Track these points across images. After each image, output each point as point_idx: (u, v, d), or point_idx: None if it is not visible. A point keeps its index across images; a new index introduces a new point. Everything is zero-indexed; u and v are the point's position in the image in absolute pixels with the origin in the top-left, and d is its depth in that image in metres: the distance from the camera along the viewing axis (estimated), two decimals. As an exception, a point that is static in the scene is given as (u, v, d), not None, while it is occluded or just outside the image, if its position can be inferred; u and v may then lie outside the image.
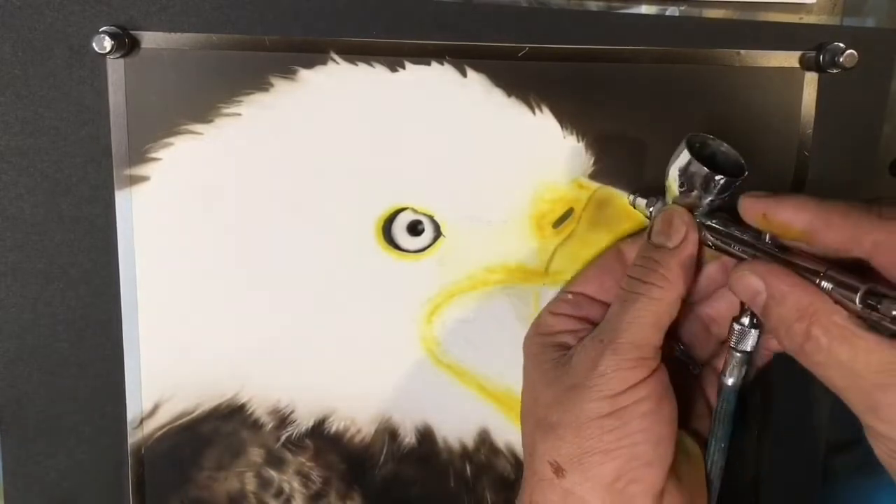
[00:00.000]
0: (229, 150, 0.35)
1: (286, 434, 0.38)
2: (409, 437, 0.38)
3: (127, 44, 0.33)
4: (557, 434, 0.30)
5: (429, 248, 0.37)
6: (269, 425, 0.37)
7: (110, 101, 0.34)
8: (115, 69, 0.34)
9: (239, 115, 0.34)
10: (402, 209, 0.36)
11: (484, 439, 0.38)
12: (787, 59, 0.37)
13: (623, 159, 0.37)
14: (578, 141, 0.36)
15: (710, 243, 0.32)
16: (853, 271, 0.26)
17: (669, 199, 0.33)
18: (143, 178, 0.35)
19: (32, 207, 0.35)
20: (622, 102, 0.36)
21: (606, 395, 0.29)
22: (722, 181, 0.31)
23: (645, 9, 0.37)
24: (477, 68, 0.35)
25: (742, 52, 0.36)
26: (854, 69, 0.36)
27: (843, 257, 0.27)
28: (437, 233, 0.36)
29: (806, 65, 0.37)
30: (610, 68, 0.36)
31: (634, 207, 0.36)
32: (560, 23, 0.35)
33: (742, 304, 0.32)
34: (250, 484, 0.38)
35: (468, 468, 0.39)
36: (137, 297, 0.36)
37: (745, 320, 0.32)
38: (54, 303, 0.36)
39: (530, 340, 0.35)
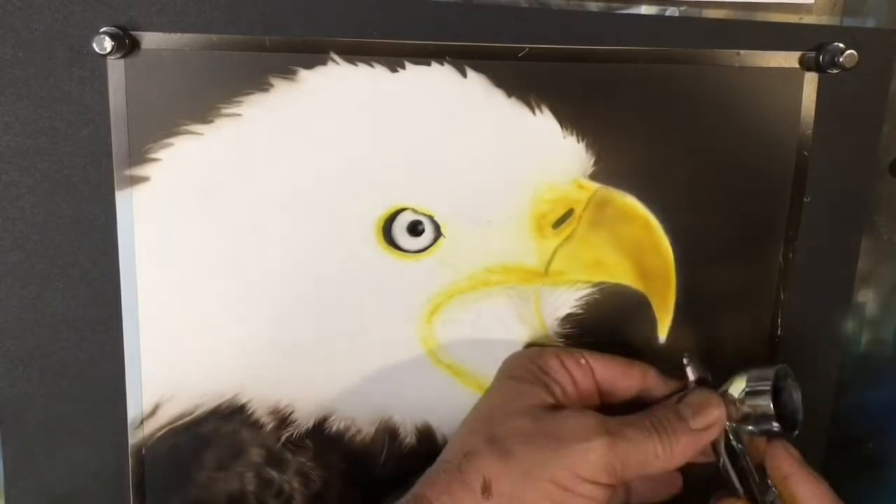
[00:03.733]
0: (229, 150, 0.35)
1: (286, 434, 0.38)
2: (409, 437, 0.38)
3: (127, 44, 0.33)
4: (507, 463, 0.31)
5: (429, 249, 0.37)
6: (270, 425, 0.37)
7: (110, 102, 0.34)
8: (116, 70, 0.34)
9: (239, 115, 0.34)
10: (403, 209, 0.36)
11: (484, 439, 0.38)
12: (787, 59, 0.37)
13: (623, 159, 0.37)
14: (578, 141, 0.36)
15: (721, 460, 0.33)
16: None
17: (721, 389, 0.33)
18: (144, 179, 0.35)
19: (32, 207, 0.35)
20: (622, 102, 0.36)
21: (573, 472, 0.30)
22: (774, 428, 0.31)
23: (645, 9, 0.37)
24: (477, 68, 0.35)
25: (742, 52, 0.36)
26: (854, 69, 0.36)
27: None
28: (438, 233, 0.36)
29: (806, 65, 0.37)
30: (610, 68, 0.36)
31: (685, 366, 0.35)
32: (560, 23, 0.35)
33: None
34: (250, 484, 0.38)
35: (468, 468, 0.39)
36: (138, 297, 0.36)
37: None
38: (55, 303, 0.36)
39: (519, 364, 0.35)
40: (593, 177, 0.37)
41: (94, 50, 0.32)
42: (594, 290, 0.38)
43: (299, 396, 0.37)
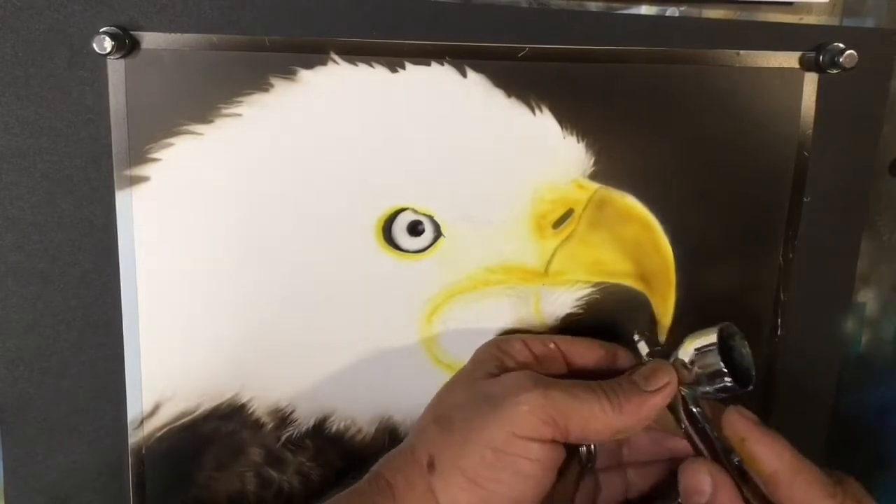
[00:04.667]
0: (229, 150, 0.35)
1: (286, 434, 0.38)
2: (409, 437, 0.38)
3: (127, 44, 0.33)
4: (449, 435, 0.31)
5: (429, 249, 0.37)
6: (270, 425, 0.37)
7: (111, 102, 0.34)
8: (116, 70, 0.34)
9: (239, 115, 0.35)
10: (403, 209, 0.36)
11: (484, 439, 0.38)
12: (787, 59, 0.37)
13: (623, 159, 0.37)
14: (578, 141, 0.36)
15: (682, 425, 0.32)
16: None
17: (671, 357, 0.33)
18: (144, 179, 0.35)
19: (33, 207, 0.35)
20: (622, 102, 0.36)
21: (509, 430, 0.30)
22: (728, 384, 0.31)
23: (645, 9, 0.37)
24: (477, 68, 0.35)
25: (742, 52, 0.36)
26: (854, 69, 0.36)
27: None
28: (438, 233, 0.36)
29: (806, 65, 0.37)
30: (610, 68, 0.36)
31: (635, 345, 0.35)
32: (560, 23, 0.35)
33: (668, 486, 0.33)
34: (250, 484, 0.38)
35: (468, 468, 0.38)
36: (138, 297, 0.36)
37: None
38: (54, 303, 0.36)
39: (482, 349, 0.36)
40: (593, 177, 0.37)
41: (94, 50, 0.32)
42: (594, 290, 0.38)
43: (299, 396, 0.37)
